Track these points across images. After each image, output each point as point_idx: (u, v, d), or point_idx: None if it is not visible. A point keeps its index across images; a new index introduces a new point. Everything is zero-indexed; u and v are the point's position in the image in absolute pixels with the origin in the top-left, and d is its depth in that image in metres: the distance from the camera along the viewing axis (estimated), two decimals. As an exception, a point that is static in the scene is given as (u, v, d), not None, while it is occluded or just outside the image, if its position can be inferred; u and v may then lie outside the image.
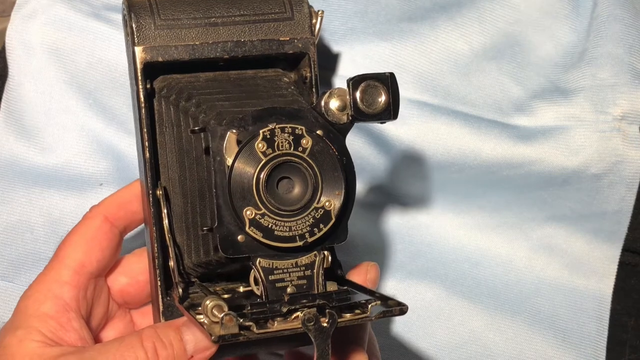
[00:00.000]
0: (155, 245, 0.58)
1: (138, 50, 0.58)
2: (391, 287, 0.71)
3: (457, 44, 0.71)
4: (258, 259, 0.53)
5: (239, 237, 0.52)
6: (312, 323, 0.51)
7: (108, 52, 0.69)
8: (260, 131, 0.52)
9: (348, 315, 0.52)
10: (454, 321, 0.71)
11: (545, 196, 0.71)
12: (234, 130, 0.52)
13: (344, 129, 0.54)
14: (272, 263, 0.53)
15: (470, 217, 0.72)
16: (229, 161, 0.51)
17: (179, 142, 0.58)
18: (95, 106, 0.69)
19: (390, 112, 0.55)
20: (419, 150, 0.70)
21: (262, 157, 0.52)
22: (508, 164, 0.70)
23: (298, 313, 0.51)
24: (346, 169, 0.53)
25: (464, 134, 0.70)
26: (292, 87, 0.60)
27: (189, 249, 0.58)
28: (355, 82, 0.53)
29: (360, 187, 0.70)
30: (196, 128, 0.54)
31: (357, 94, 0.53)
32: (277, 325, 0.51)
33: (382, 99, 0.54)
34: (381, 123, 0.55)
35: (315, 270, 0.53)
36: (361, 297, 0.54)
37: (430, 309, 0.71)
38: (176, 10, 0.59)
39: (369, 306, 0.52)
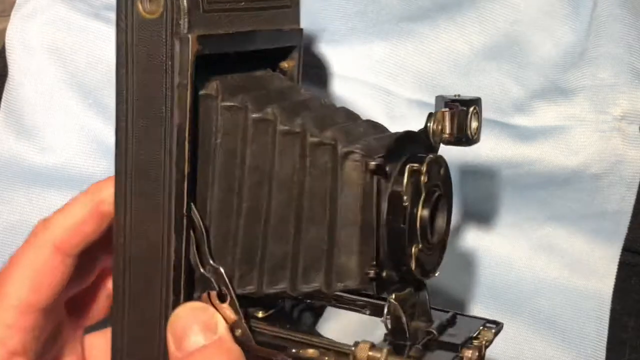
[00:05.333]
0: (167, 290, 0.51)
1: (192, 39, 0.48)
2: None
3: (457, 43, 0.71)
4: (393, 295, 0.50)
5: (385, 274, 0.49)
6: (481, 356, 0.51)
7: (108, 52, 0.69)
8: (425, 165, 0.48)
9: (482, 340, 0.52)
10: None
11: (545, 196, 0.71)
12: (416, 165, 0.48)
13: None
14: (400, 296, 0.50)
15: (470, 217, 0.72)
16: (407, 200, 0.48)
17: (253, 159, 0.52)
18: (95, 106, 0.70)
19: (479, 135, 0.53)
20: (418, 150, 0.70)
21: (423, 190, 0.49)
22: (508, 163, 0.70)
23: (465, 351, 0.50)
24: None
25: (464, 134, 0.70)
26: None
27: (239, 278, 0.52)
28: (468, 107, 0.52)
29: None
30: (372, 163, 0.47)
31: (469, 122, 0.52)
32: None
33: (477, 123, 0.52)
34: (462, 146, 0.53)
35: (420, 297, 0.52)
36: (465, 320, 0.54)
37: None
38: None
39: (492, 330, 0.53)
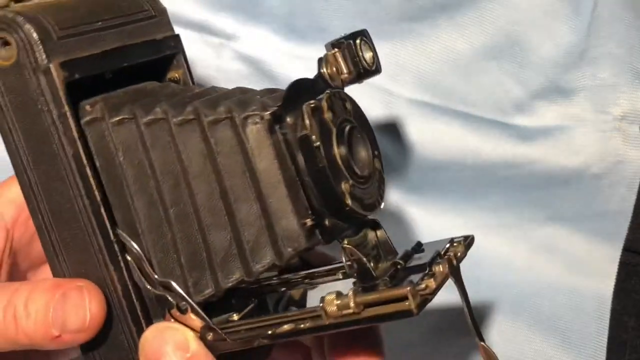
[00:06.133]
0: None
1: (54, 67, 0.48)
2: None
3: (458, 43, 0.71)
4: (346, 240, 0.49)
5: (327, 222, 0.48)
6: (453, 266, 0.50)
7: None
8: (324, 100, 0.48)
9: (451, 254, 0.51)
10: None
11: (545, 196, 0.71)
12: (313, 102, 0.47)
13: None
14: (355, 240, 0.49)
15: (470, 217, 0.72)
16: (316, 140, 0.47)
17: (151, 164, 0.50)
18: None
19: (379, 65, 0.53)
20: (419, 150, 0.70)
21: (332, 126, 0.48)
22: (508, 164, 0.70)
23: (435, 267, 0.49)
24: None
25: (464, 134, 0.70)
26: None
27: (194, 286, 0.51)
28: (353, 40, 0.52)
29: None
30: (267, 114, 0.47)
31: (360, 53, 0.52)
32: (433, 282, 0.48)
33: (370, 52, 0.53)
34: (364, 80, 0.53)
35: (379, 237, 0.51)
36: (431, 244, 0.53)
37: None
38: (63, 18, 0.50)
39: (462, 243, 0.52)
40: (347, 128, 0.49)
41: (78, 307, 0.50)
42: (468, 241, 0.53)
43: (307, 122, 0.47)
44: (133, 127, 0.50)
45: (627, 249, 0.70)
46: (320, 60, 0.51)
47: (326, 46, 0.51)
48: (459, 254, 0.52)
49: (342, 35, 0.52)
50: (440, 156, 0.70)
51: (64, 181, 0.50)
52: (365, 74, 0.52)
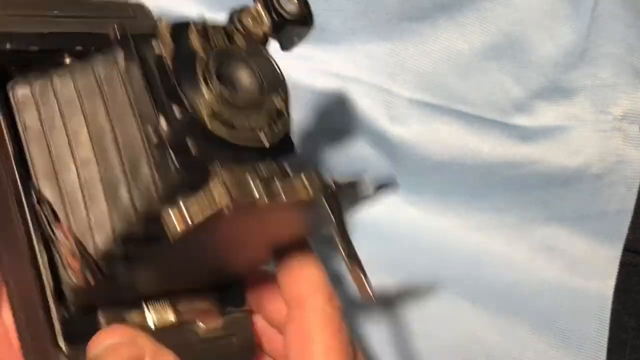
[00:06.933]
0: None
1: None
2: (391, 288, 0.71)
3: (458, 43, 0.71)
4: (217, 168, 0.41)
5: (190, 146, 0.41)
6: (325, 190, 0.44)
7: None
8: (191, 23, 0.45)
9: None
10: (454, 321, 0.71)
11: (545, 196, 0.71)
12: (163, 19, 0.44)
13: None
14: (232, 171, 0.42)
15: (470, 218, 0.72)
16: (164, 40, 0.43)
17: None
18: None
19: (306, 14, 0.48)
20: (419, 150, 0.69)
21: (200, 52, 0.44)
22: (508, 164, 0.70)
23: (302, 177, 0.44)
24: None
25: (464, 134, 0.69)
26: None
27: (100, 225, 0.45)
28: None
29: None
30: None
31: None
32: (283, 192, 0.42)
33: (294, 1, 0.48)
34: (298, 37, 0.49)
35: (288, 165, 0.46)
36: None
37: (430, 309, 0.71)
38: (11, 5, 0.49)
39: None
40: (223, 53, 0.45)
41: None
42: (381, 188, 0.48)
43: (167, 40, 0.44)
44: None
45: (627, 249, 0.70)
46: (232, 13, 0.48)
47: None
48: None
49: None
50: (440, 156, 0.70)
51: None
52: (286, 23, 0.48)
